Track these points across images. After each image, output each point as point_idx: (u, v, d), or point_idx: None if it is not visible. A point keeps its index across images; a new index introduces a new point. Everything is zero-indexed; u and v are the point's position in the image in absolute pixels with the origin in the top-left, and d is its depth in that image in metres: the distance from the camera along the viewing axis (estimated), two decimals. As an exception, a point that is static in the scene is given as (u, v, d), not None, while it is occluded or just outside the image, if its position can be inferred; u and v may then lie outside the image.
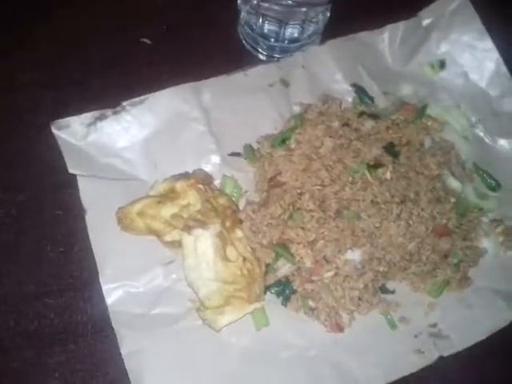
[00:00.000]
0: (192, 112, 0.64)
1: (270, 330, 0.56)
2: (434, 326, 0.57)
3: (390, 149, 0.61)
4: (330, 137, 0.61)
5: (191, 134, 0.64)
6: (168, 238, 0.58)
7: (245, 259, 0.56)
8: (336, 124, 0.63)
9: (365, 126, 0.63)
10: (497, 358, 0.57)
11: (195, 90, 0.65)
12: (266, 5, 0.67)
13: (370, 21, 0.70)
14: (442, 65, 0.70)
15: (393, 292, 0.59)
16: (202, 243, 0.56)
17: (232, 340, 0.55)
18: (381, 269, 0.56)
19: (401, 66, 0.70)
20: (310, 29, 0.70)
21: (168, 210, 0.58)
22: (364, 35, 0.70)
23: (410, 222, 0.57)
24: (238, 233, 0.58)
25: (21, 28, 0.69)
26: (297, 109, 0.66)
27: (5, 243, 0.59)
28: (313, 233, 0.56)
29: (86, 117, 0.61)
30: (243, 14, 0.71)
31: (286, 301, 0.57)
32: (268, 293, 0.58)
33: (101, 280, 0.56)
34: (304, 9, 0.67)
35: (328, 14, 0.70)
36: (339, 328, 0.56)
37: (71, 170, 0.59)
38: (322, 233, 0.57)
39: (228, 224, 0.57)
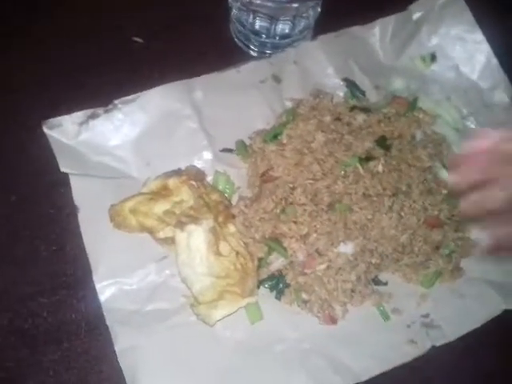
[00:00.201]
0: (184, 109, 0.64)
1: (264, 324, 0.56)
2: (427, 316, 0.57)
3: (382, 142, 0.61)
4: (322, 131, 0.61)
5: (183, 131, 0.64)
6: (161, 234, 0.58)
7: (238, 254, 0.56)
8: (328, 118, 0.63)
9: (356, 119, 0.63)
10: (490, 346, 0.57)
11: (187, 87, 0.65)
12: (257, 1, 0.67)
13: (361, 15, 0.70)
14: (433, 58, 0.70)
15: (385, 284, 0.59)
16: (195, 239, 0.56)
17: (226, 334, 0.55)
18: (373, 261, 0.56)
19: (392, 59, 0.71)
20: (301, 24, 0.70)
21: (160, 207, 0.58)
22: (355, 30, 0.70)
23: (402, 214, 0.57)
24: (231, 228, 0.58)
25: (11, 29, 0.69)
26: (289, 104, 0.67)
27: (-2, 243, 0.59)
28: (305, 226, 0.56)
29: (78, 116, 0.61)
30: (234, 11, 0.71)
31: (279, 294, 0.57)
32: (261, 287, 0.58)
33: (94, 278, 0.56)
34: (295, 5, 0.67)
35: (319, 10, 0.70)
36: (332, 320, 0.56)
37: (63, 169, 0.59)
38: (315, 226, 0.57)
39: (221, 219, 0.57)
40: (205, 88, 0.65)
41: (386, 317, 0.57)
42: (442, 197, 0.59)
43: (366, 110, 0.64)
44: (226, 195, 0.61)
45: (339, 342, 0.55)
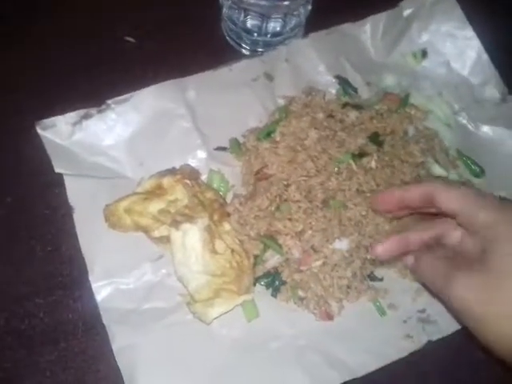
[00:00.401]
0: (177, 108, 0.64)
1: (261, 321, 0.56)
2: (423, 311, 0.58)
3: (375, 138, 0.61)
4: (315, 128, 0.61)
5: (177, 130, 0.64)
6: (156, 233, 0.58)
7: (233, 251, 0.56)
8: (320, 115, 0.63)
9: (349, 116, 0.64)
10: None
11: (180, 86, 0.65)
12: (248, 0, 0.68)
13: (352, 13, 0.71)
14: (424, 54, 0.71)
15: (381, 279, 0.59)
16: (190, 237, 0.56)
17: (223, 332, 0.55)
18: (368, 256, 0.56)
19: (383, 56, 0.71)
20: (292, 22, 0.71)
21: (155, 206, 0.58)
22: (346, 27, 0.71)
23: (396, 210, 0.58)
24: (226, 226, 0.58)
25: (5, 31, 0.69)
26: (281, 102, 0.67)
27: (-6, 244, 0.59)
28: (300, 223, 0.57)
29: (71, 116, 0.61)
30: (225, 10, 0.71)
31: (275, 292, 0.58)
32: (257, 284, 0.58)
33: (90, 278, 0.56)
34: (286, 2, 0.67)
35: (309, 7, 0.70)
36: (329, 316, 0.56)
37: (57, 170, 0.59)
38: (310, 223, 0.57)
39: (216, 217, 0.58)
40: (198, 87, 0.65)
41: (382, 312, 0.57)
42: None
43: (358, 106, 0.65)
44: (221, 193, 0.61)
45: (335, 338, 0.55)
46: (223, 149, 0.64)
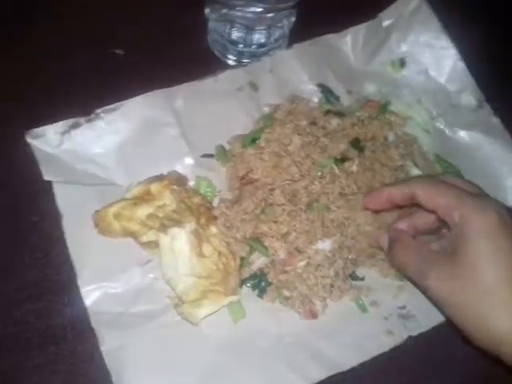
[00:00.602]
0: (165, 117, 0.66)
1: (247, 322, 0.57)
2: (403, 307, 0.59)
3: (356, 144, 0.63)
4: (299, 134, 0.63)
5: (164, 138, 0.65)
6: (144, 238, 0.60)
7: (220, 254, 0.58)
8: (304, 122, 0.65)
9: (331, 123, 0.66)
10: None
11: (167, 96, 0.67)
12: (232, 13, 0.70)
13: (333, 24, 0.73)
14: (403, 63, 0.73)
15: (362, 279, 0.61)
16: (178, 241, 0.57)
17: (210, 333, 0.56)
18: (350, 256, 0.58)
19: (364, 65, 0.73)
20: (276, 34, 0.73)
21: (144, 211, 0.59)
22: (328, 38, 0.73)
23: (377, 211, 0.60)
24: (213, 229, 0.59)
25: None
26: (266, 110, 0.69)
27: (-16, 253, 0.60)
28: (285, 226, 0.58)
29: (60, 125, 0.62)
30: (211, 22, 0.73)
31: (261, 293, 0.59)
32: (244, 286, 0.59)
33: (79, 282, 0.57)
34: (270, 15, 0.70)
35: (293, 19, 0.73)
36: (313, 315, 0.58)
37: (46, 177, 0.60)
38: (294, 225, 0.58)
39: (203, 221, 0.59)
40: (185, 96, 0.67)
41: (364, 310, 0.59)
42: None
43: (340, 113, 0.67)
44: (208, 198, 0.63)
45: (320, 335, 0.57)
46: (210, 156, 0.66)
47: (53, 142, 0.62)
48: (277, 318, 0.58)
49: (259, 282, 0.59)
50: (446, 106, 0.71)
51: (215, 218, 0.60)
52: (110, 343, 0.55)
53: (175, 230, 0.57)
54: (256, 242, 0.59)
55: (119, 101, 0.65)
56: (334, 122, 0.66)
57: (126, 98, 0.65)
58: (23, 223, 0.62)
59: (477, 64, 0.73)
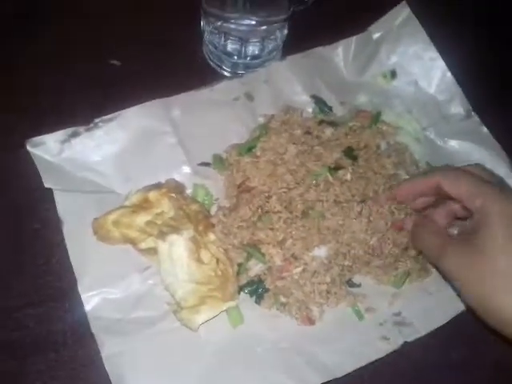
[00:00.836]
0: (162, 127, 0.67)
1: (245, 327, 0.58)
2: (398, 314, 0.60)
3: (349, 152, 0.65)
4: (294, 143, 0.65)
5: (162, 147, 0.67)
6: (143, 245, 0.61)
7: (218, 260, 0.59)
8: (298, 132, 0.67)
9: (325, 132, 0.68)
10: (458, 339, 0.60)
11: (165, 105, 0.68)
12: (227, 25, 0.72)
13: (325, 37, 0.75)
14: (393, 75, 0.76)
15: (359, 285, 0.62)
16: (177, 248, 0.58)
17: (209, 338, 0.57)
18: (346, 263, 0.60)
19: (355, 77, 0.75)
20: (270, 46, 0.75)
21: (142, 219, 0.60)
22: (320, 50, 0.75)
23: (371, 219, 0.61)
24: (211, 236, 0.61)
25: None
26: (261, 120, 0.70)
27: (-14, 259, 0.61)
28: (281, 233, 0.60)
29: (60, 134, 0.64)
30: (207, 35, 0.75)
31: (259, 299, 0.60)
32: (242, 293, 0.60)
33: (79, 289, 0.58)
34: (264, 27, 0.72)
35: (285, 32, 0.75)
36: (310, 321, 0.59)
37: (47, 185, 0.61)
38: (290, 232, 0.60)
39: (201, 228, 0.60)
40: (182, 106, 0.69)
41: (360, 316, 0.60)
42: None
43: (333, 123, 0.69)
44: (205, 206, 0.64)
45: (316, 341, 0.58)
46: (207, 164, 0.67)
47: (53, 151, 0.63)
48: (274, 324, 0.59)
49: (256, 289, 0.60)
50: (436, 117, 0.73)
51: (213, 225, 0.61)
52: (109, 348, 0.56)
53: (173, 237, 0.58)
54: (253, 248, 0.60)
55: (119, 110, 0.66)
56: (328, 131, 0.68)
57: (125, 108, 0.67)
58: (25, 230, 0.63)
59: (464, 75, 0.75)
